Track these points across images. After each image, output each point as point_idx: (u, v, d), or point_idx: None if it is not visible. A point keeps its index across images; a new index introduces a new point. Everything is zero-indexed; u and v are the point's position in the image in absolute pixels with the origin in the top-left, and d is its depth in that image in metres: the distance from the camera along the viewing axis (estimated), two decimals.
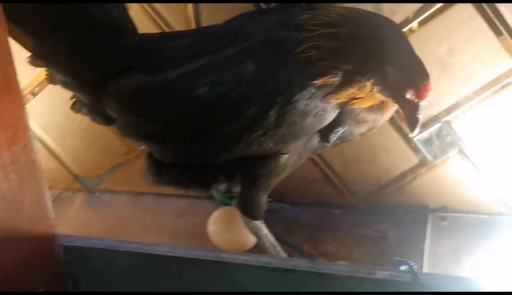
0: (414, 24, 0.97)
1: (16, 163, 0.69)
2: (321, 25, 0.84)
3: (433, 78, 0.95)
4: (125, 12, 0.93)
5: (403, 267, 0.74)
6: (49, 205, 0.75)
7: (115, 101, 0.90)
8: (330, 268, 0.73)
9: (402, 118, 1.03)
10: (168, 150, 0.93)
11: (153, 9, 1.07)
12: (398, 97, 0.82)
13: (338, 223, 1.11)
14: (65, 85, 0.93)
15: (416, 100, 0.81)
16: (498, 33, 0.95)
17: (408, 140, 1.05)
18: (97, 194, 1.29)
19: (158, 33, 1.06)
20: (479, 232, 1.04)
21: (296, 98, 0.82)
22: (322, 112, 0.85)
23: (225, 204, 1.13)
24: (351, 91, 0.84)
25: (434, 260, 0.98)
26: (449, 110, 1.01)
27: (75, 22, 0.88)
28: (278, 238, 1.00)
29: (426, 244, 1.01)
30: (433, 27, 0.97)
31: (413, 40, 0.95)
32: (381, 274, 0.71)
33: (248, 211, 0.95)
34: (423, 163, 1.06)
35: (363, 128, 0.90)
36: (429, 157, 1.05)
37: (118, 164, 1.24)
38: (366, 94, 0.84)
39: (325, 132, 0.89)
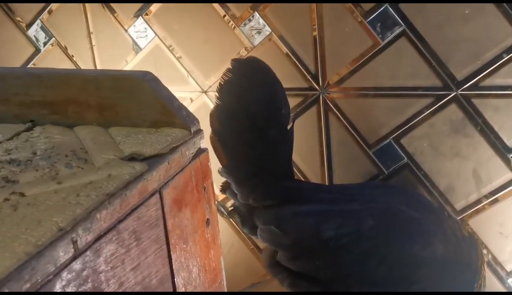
0: None
1: None
2: None
3: None
4: (290, 163, 1.14)
5: None
6: None
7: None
8: None
9: None
10: (295, 263, 1.07)
11: (295, 166, 1.32)
12: None
13: None
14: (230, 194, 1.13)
15: None
16: None
17: None
18: None
19: (311, 183, 1.29)
20: None
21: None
22: None
23: None
24: None
25: None
26: None
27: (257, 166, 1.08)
28: None
29: None
30: None
31: None
32: None
33: None
34: None
35: None
36: None
37: (258, 282, 1.44)
38: None
39: None
